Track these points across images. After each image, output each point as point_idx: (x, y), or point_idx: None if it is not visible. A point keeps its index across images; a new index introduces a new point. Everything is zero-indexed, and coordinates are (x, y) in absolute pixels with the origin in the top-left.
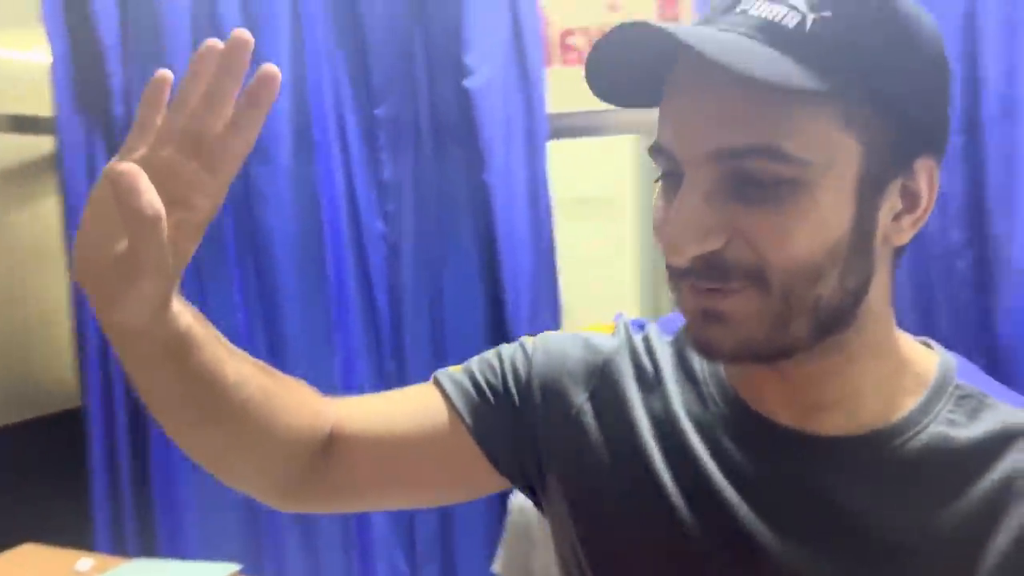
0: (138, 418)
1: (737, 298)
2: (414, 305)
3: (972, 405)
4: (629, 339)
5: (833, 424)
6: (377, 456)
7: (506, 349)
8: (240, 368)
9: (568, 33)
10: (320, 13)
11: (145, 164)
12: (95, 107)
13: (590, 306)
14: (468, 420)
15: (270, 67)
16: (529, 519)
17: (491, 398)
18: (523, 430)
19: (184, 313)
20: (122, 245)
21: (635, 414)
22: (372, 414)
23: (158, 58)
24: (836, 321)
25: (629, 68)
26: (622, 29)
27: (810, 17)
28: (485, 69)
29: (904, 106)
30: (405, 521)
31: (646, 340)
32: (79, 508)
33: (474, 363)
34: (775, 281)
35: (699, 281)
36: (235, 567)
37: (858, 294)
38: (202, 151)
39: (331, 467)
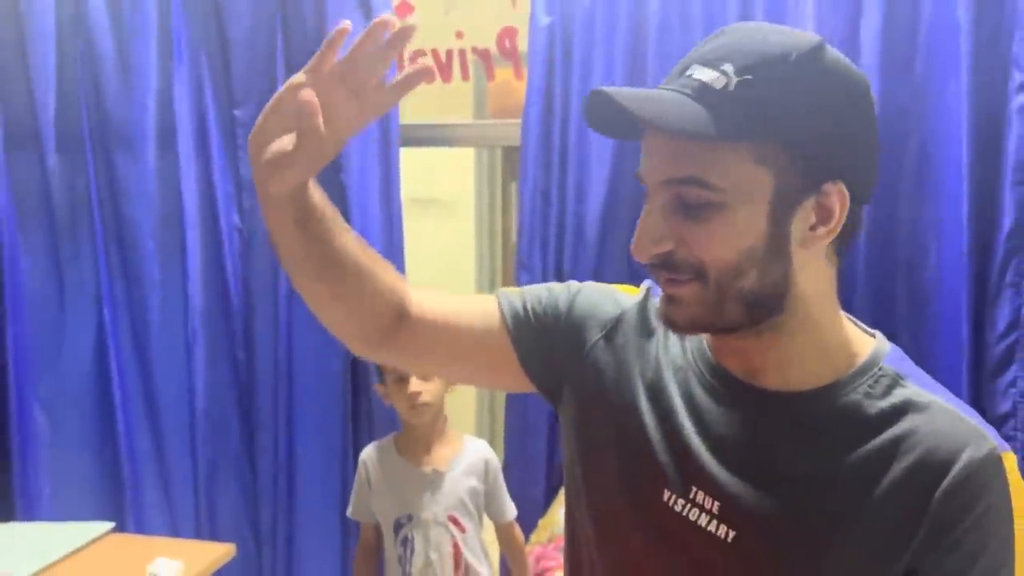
0: None
1: (686, 288)
2: (265, 296)
3: (887, 383)
4: (645, 299)
5: (770, 382)
6: (438, 335)
7: (556, 286)
8: (346, 241)
9: (419, 53)
10: (184, 20)
11: (320, 87)
12: None
13: None
14: (511, 328)
15: (428, 63)
16: (370, 471)
17: (532, 318)
18: (551, 347)
19: (315, 194)
20: (289, 139)
21: (630, 356)
22: (443, 304)
23: (21, 57)
24: (765, 307)
25: (614, 114)
26: (593, 94)
27: (734, 80)
28: None
29: (807, 145)
30: (252, 502)
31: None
32: None
33: (528, 289)
34: (711, 276)
35: (663, 272)
36: (109, 524)
37: (778, 287)
38: (359, 94)
39: (403, 333)
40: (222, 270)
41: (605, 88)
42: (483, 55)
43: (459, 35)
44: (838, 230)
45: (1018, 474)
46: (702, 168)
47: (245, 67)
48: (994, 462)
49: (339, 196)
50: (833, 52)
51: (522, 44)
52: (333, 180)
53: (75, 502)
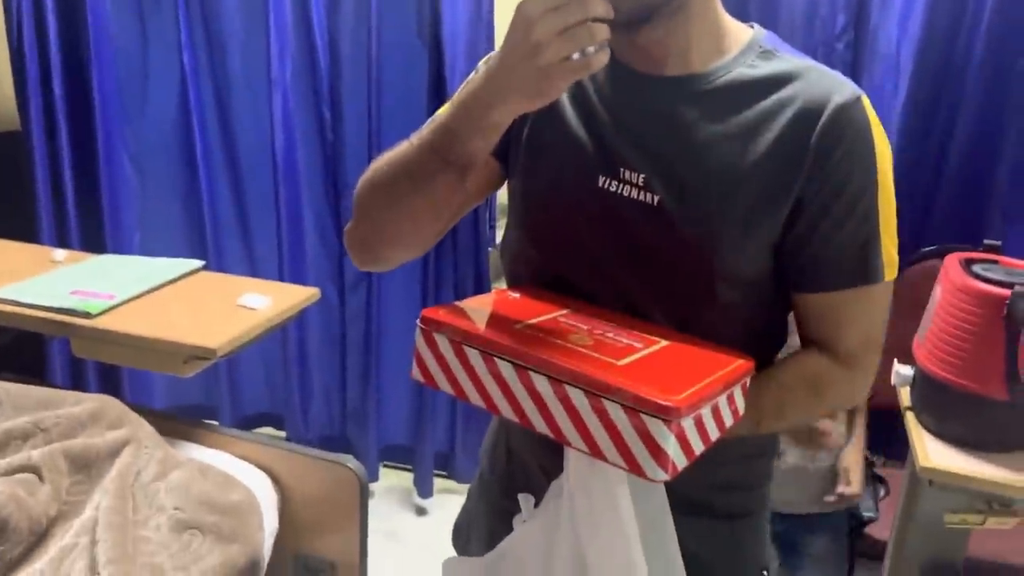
0: (82, 137)
1: None
2: (352, 57)
3: (767, 57)
4: None
5: (671, 69)
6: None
7: None
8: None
9: None
10: None
11: None
12: None
13: None
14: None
15: None
16: None
17: None
18: None
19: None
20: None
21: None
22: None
23: None
24: None
25: None
26: None
27: None
28: None
29: None
30: (336, 252)
31: None
32: (25, 220)
33: None
34: None
35: None
36: (199, 263)
37: None
38: None
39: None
40: (307, 25)
41: None
42: None
43: None
44: None
45: (873, 111)
46: None
47: None
48: (855, 102)
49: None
50: None
51: None
52: None
53: (163, 249)
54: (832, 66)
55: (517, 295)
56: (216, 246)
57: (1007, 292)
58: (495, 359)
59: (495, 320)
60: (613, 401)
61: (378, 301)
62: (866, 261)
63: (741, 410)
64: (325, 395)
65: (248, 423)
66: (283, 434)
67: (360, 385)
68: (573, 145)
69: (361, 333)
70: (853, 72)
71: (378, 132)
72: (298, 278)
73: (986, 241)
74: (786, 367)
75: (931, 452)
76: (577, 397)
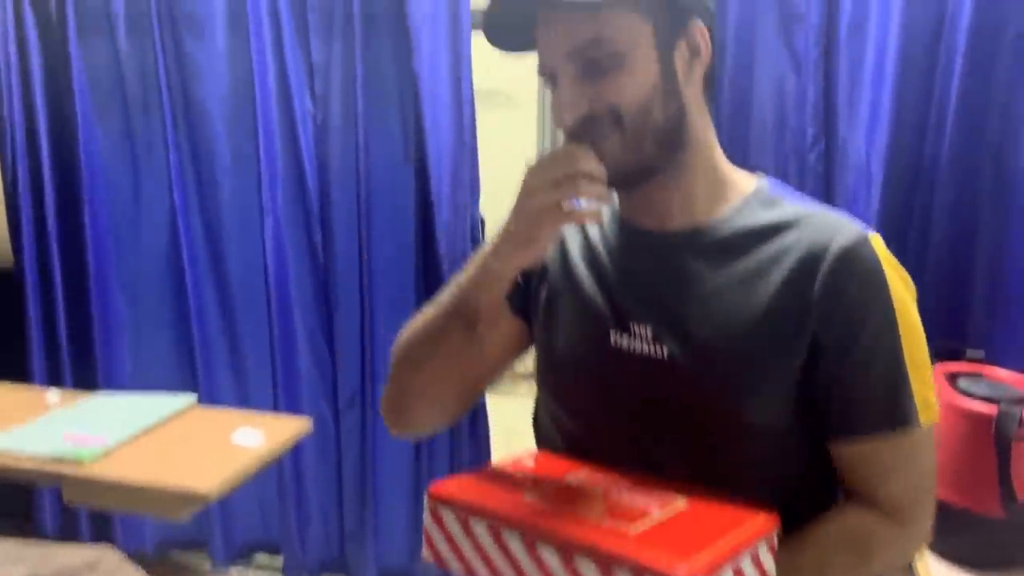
0: (74, 273)
1: (608, 142)
2: (341, 181)
3: (770, 206)
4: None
5: (676, 222)
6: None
7: None
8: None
9: None
10: None
11: None
12: None
13: (495, 187)
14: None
15: None
16: None
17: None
18: (526, 285)
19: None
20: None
21: (569, 243)
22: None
23: None
24: (672, 142)
25: (512, 27)
26: (492, 5)
27: None
28: None
29: None
30: (329, 374)
31: None
32: (16, 354)
33: None
34: (626, 120)
35: (585, 137)
36: (193, 397)
37: (679, 118)
38: None
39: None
40: (296, 156)
41: None
42: None
43: None
44: (708, 60)
45: (886, 250)
46: (597, 29)
47: None
48: (862, 242)
49: (411, 86)
50: None
51: None
52: (404, 68)
53: (155, 376)
54: (804, 177)
55: (531, 461)
56: (208, 369)
57: (994, 409)
58: (503, 532)
59: (504, 491)
60: (625, 573)
61: (373, 420)
62: (896, 404)
63: (771, 572)
64: (322, 517)
65: (243, 550)
66: (280, 558)
67: (357, 505)
68: (586, 304)
69: (357, 453)
70: (826, 183)
71: (369, 252)
72: (292, 399)
73: (969, 351)
74: (826, 525)
75: None
76: (588, 571)
